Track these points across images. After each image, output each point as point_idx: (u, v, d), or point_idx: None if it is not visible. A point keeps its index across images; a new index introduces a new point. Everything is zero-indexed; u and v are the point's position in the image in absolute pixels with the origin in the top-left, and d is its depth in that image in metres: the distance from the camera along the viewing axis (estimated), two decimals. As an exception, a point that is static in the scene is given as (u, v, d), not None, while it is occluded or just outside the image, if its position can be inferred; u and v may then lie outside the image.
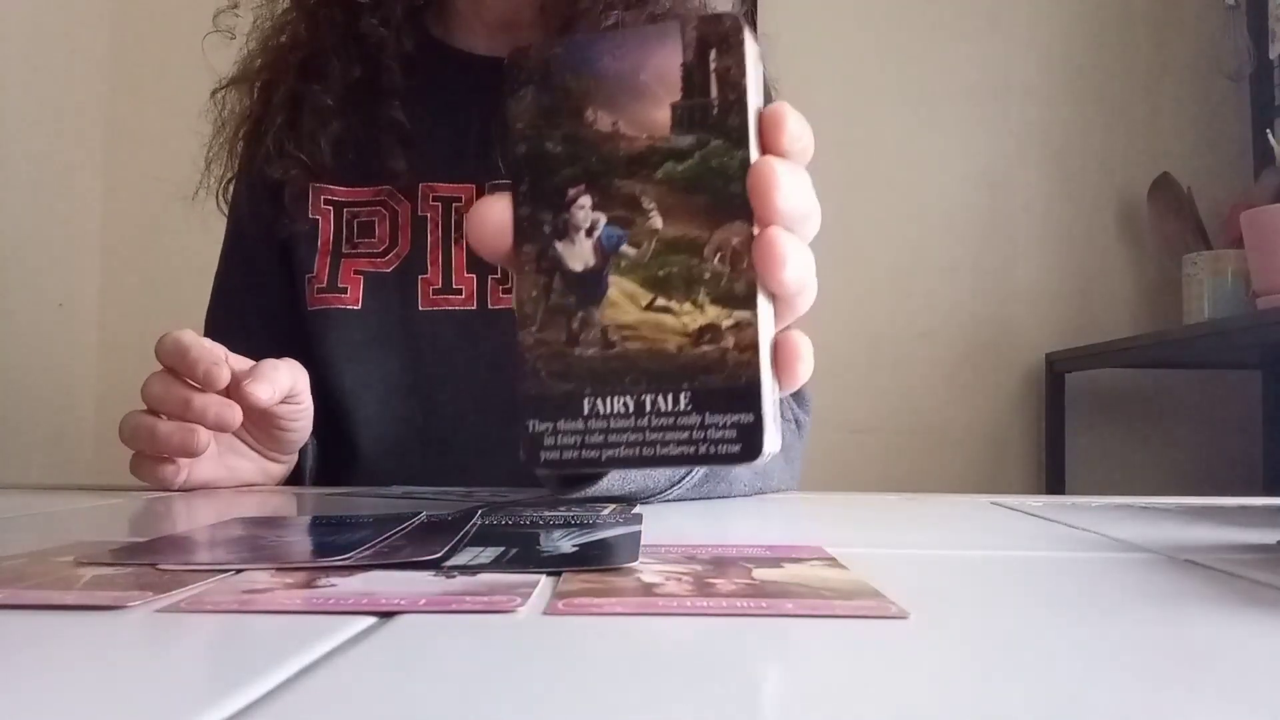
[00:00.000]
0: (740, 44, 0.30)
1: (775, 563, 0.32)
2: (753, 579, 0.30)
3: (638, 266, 0.30)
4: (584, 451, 0.30)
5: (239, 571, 0.30)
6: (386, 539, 0.35)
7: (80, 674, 0.20)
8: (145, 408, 0.62)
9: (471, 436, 0.72)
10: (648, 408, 0.30)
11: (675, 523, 0.46)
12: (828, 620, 0.25)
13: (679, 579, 0.29)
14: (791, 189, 0.29)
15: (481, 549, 0.34)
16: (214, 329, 0.79)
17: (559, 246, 0.31)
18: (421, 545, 0.34)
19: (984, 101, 1.90)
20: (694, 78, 0.30)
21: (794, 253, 0.29)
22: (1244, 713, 0.19)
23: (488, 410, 0.72)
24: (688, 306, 0.30)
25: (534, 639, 0.23)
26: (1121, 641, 0.24)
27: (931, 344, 1.86)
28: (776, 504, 0.55)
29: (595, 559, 0.33)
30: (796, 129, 0.30)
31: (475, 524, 0.40)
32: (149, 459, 0.62)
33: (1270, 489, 1.70)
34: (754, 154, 0.30)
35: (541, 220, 0.31)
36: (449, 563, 0.31)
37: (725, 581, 0.29)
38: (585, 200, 0.31)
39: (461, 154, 0.75)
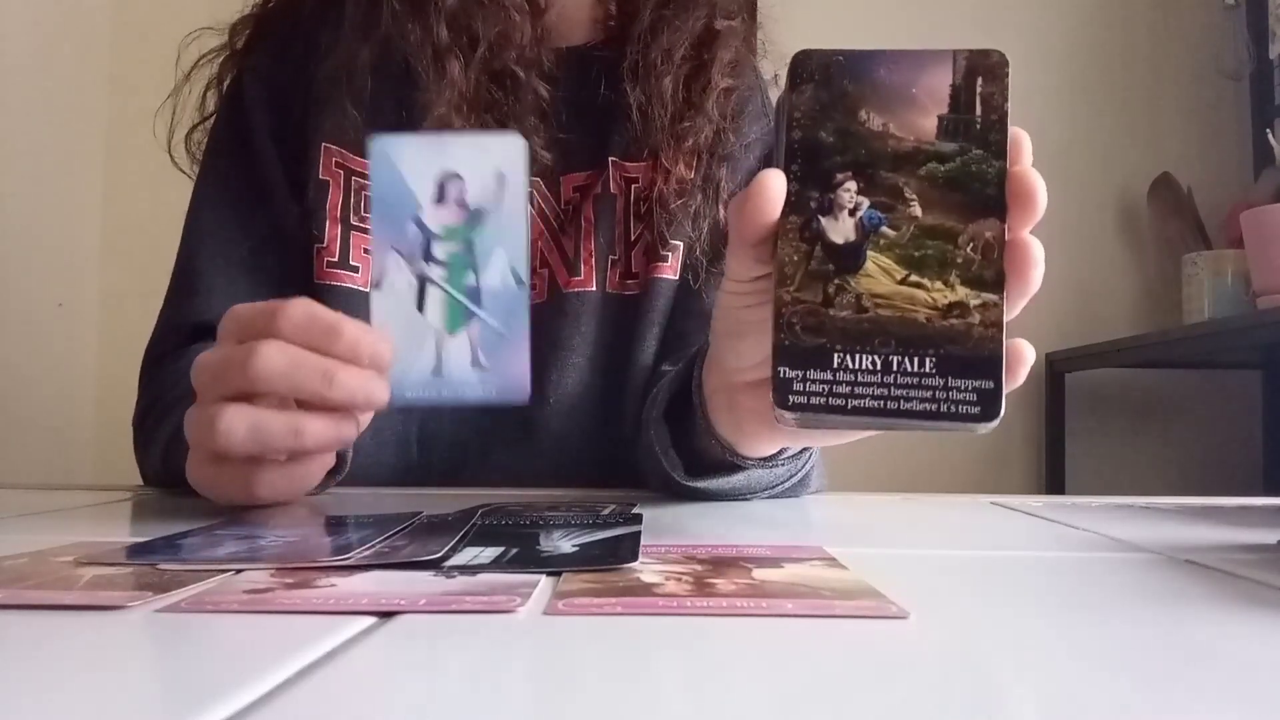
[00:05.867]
0: (1005, 75, 0.35)
1: (775, 563, 0.32)
2: (753, 579, 0.30)
3: (895, 246, 0.35)
4: (830, 400, 0.34)
5: (239, 572, 0.30)
6: (386, 539, 0.35)
7: (81, 674, 0.20)
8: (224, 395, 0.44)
9: (471, 432, 0.72)
10: (894, 367, 0.34)
11: (675, 523, 0.46)
12: (828, 620, 0.25)
13: (679, 579, 0.29)
14: (1044, 198, 0.35)
15: (481, 549, 0.34)
16: (197, 288, 0.70)
17: (823, 221, 0.35)
18: (421, 545, 0.34)
19: (984, 101, 1.89)
20: (961, 96, 0.36)
21: (1040, 257, 0.34)
22: (1244, 713, 0.19)
23: (488, 408, 0.71)
24: (939, 285, 0.34)
25: (534, 639, 0.23)
26: (1121, 641, 0.24)
27: (932, 344, 1.86)
28: (776, 504, 0.55)
29: (595, 559, 0.32)
30: (1031, 153, 0.36)
31: (475, 524, 0.40)
32: (263, 467, 0.46)
33: (1270, 489, 1.70)
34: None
35: (809, 197, 0.36)
36: (449, 563, 0.31)
37: (725, 581, 0.29)
38: (851, 185, 0.35)
39: None
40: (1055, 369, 1.80)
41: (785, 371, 0.34)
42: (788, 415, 0.35)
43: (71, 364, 1.75)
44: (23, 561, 0.32)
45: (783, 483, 0.56)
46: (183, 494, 0.52)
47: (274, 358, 0.42)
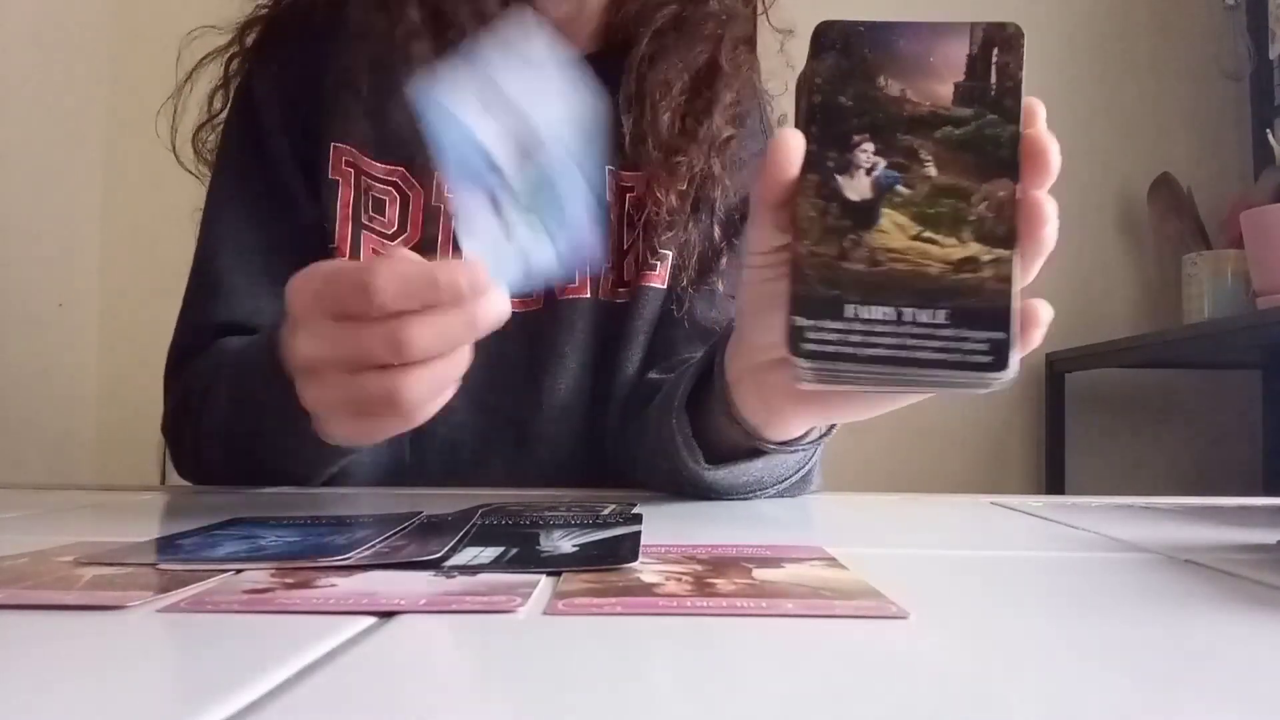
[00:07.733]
0: (1020, 46, 0.37)
1: (775, 563, 0.32)
2: (753, 579, 0.30)
3: (910, 204, 0.36)
4: (844, 348, 0.35)
5: (239, 571, 0.30)
6: (386, 539, 0.35)
7: (81, 674, 0.20)
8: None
9: (466, 435, 0.71)
10: (907, 318, 0.35)
11: (675, 523, 0.46)
12: (828, 620, 0.25)
13: (679, 579, 0.29)
14: (1057, 159, 0.35)
15: (481, 549, 0.34)
16: (219, 289, 0.69)
17: (840, 179, 0.36)
18: (421, 545, 0.34)
19: (984, 101, 1.89)
20: (977, 66, 0.37)
21: (1054, 214, 0.35)
22: (1244, 713, 0.19)
23: (484, 412, 0.71)
24: (951, 240, 0.35)
25: (534, 639, 0.23)
26: (1121, 641, 0.24)
27: (932, 344, 1.86)
28: (776, 504, 0.55)
29: (595, 559, 0.32)
30: (1045, 119, 0.37)
31: (475, 524, 0.40)
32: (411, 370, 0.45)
33: (1270, 489, 1.70)
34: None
35: (827, 156, 0.37)
36: (449, 563, 0.31)
37: (725, 581, 0.29)
38: (868, 146, 0.36)
39: None
40: (1055, 369, 1.80)
41: (800, 320, 0.35)
42: (802, 363, 0.35)
43: (71, 364, 1.75)
44: (23, 561, 0.32)
45: (792, 475, 0.56)
46: (208, 483, 0.52)
47: (423, 336, 0.43)
